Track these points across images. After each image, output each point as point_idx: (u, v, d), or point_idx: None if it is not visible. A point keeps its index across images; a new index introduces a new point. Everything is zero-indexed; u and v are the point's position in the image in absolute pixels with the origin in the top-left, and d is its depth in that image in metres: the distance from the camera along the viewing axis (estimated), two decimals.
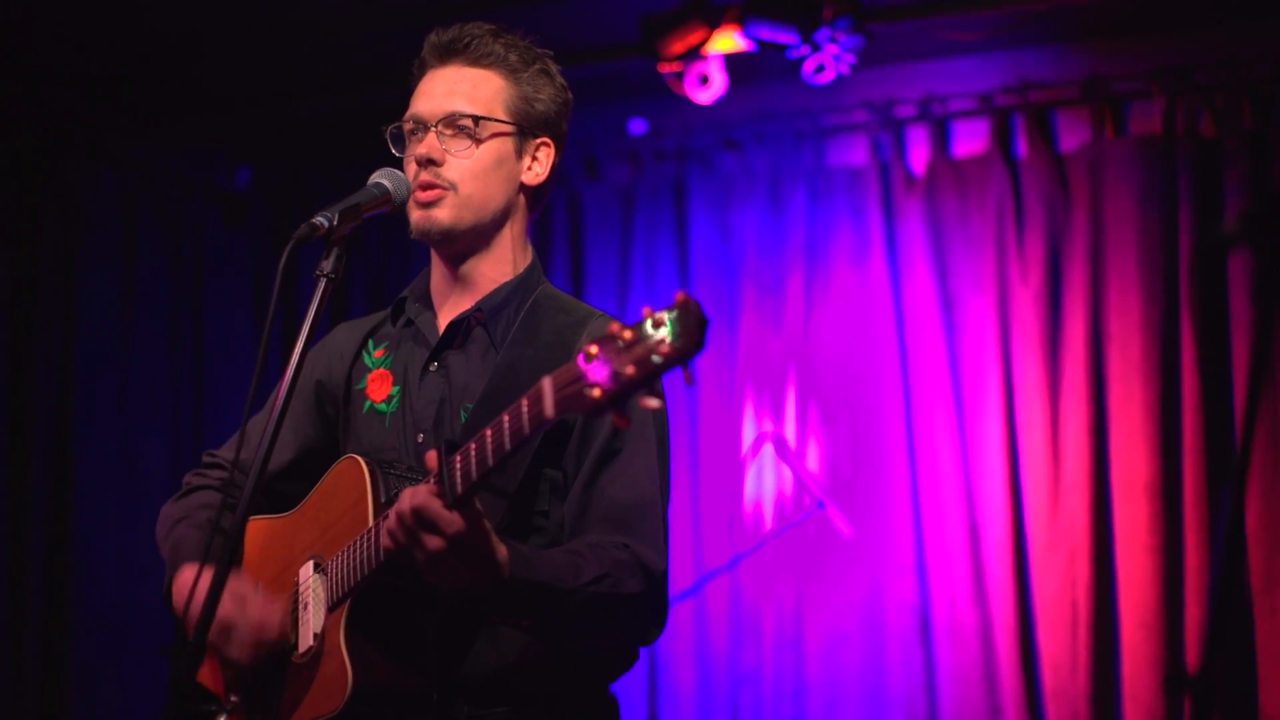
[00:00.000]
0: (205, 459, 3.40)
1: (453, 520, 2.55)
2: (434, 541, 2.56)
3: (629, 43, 5.97)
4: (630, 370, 2.25)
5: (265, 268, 7.27)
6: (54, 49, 6.11)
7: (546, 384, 2.40)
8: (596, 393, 2.29)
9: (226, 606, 2.90)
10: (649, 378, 2.26)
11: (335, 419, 3.22)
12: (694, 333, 2.22)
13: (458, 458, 2.57)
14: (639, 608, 2.84)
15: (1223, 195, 5.82)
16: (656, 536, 2.93)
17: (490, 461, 2.52)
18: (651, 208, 6.75)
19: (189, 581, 2.94)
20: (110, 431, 6.59)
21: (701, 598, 6.34)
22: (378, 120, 6.98)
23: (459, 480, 2.55)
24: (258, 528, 3.17)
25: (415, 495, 2.58)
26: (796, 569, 6.28)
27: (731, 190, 6.63)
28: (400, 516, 2.59)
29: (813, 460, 6.33)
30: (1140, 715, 5.68)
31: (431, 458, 2.61)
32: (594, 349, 2.31)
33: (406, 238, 7.31)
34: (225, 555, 2.62)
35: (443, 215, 3.03)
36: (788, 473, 6.33)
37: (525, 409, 2.45)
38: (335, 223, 2.84)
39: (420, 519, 2.56)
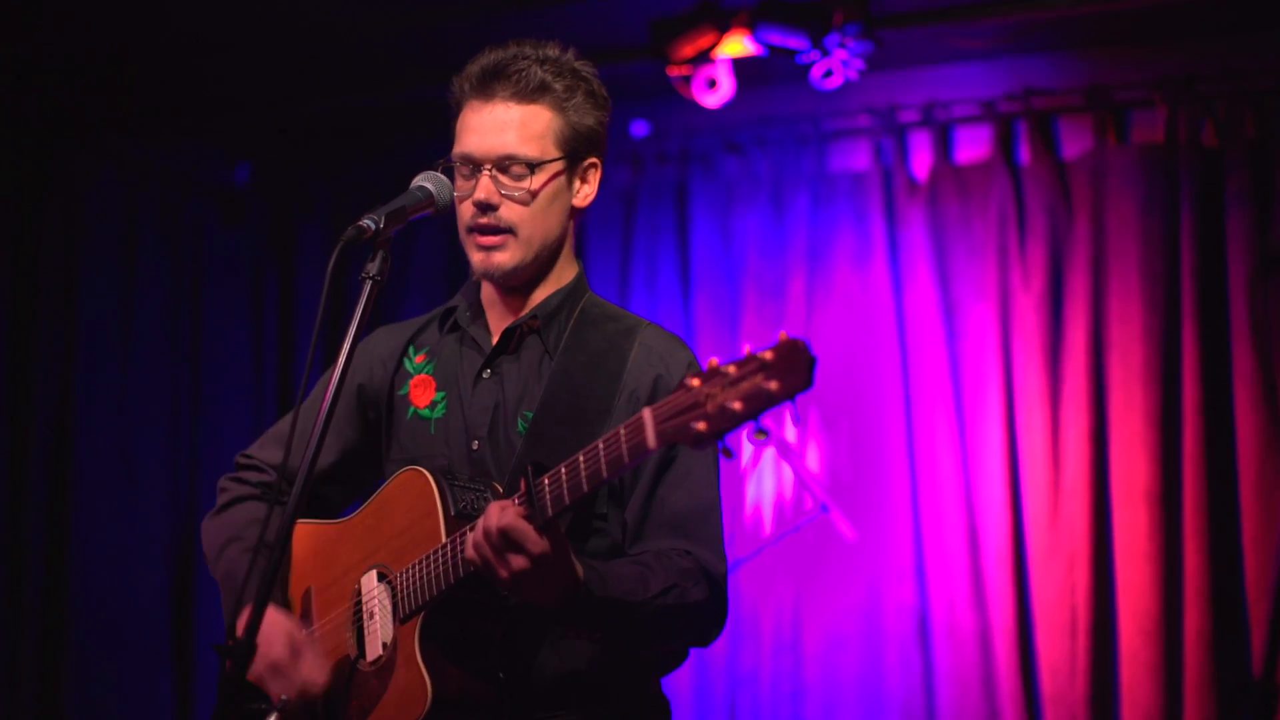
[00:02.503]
0: (240, 460, 3.37)
1: (539, 542, 2.59)
2: (519, 561, 2.60)
3: (636, 45, 5.97)
4: (737, 405, 2.30)
5: (263, 265, 7.27)
6: (55, 46, 6.11)
7: (647, 415, 2.44)
8: (702, 426, 2.34)
9: (279, 650, 2.93)
10: (755, 412, 2.30)
11: (377, 423, 3.22)
12: (802, 371, 2.27)
13: (546, 480, 2.60)
14: (703, 614, 2.90)
15: (1224, 204, 5.88)
16: (716, 540, 2.97)
17: (585, 488, 2.56)
18: (653, 210, 6.76)
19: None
20: (109, 428, 6.59)
21: None
22: (375, 120, 7.00)
23: (549, 504, 2.59)
24: (304, 532, 3.17)
25: (504, 515, 2.61)
26: (795, 572, 6.31)
27: (733, 193, 6.65)
28: (487, 534, 2.61)
29: (812, 464, 6.35)
30: None
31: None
32: (696, 383, 2.37)
33: (407, 236, 7.28)
34: (270, 570, 2.64)
35: (504, 259, 3.02)
36: (788, 476, 6.35)
37: (624, 438, 2.49)
38: (382, 225, 2.81)
39: (507, 539, 2.59)
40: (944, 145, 6.39)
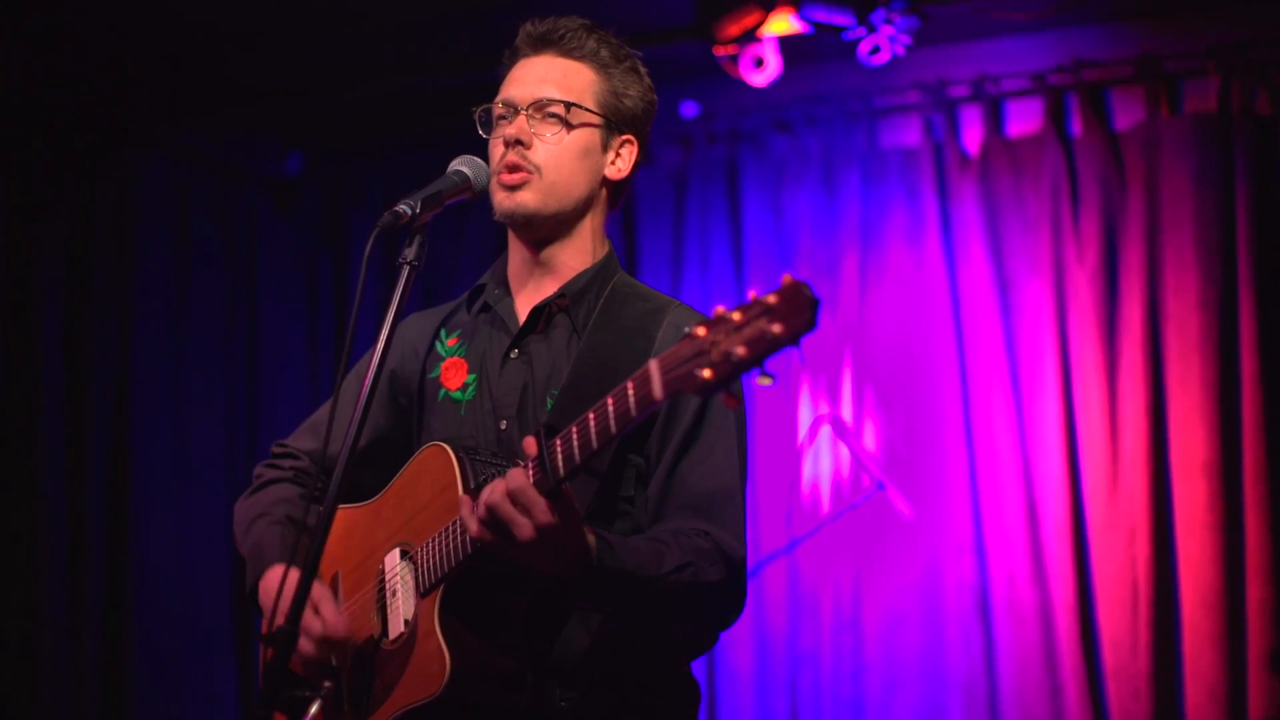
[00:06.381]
0: (276, 449, 3.40)
1: (544, 508, 2.58)
2: (525, 528, 2.58)
3: (682, 25, 5.95)
4: (742, 351, 2.26)
5: (317, 254, 7.30)
6: (106, 38, 6.14)
7: (654, 366, 2.41)
8: (707, 373, 2.30)
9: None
10: (760, 357, 2.26)
11: (409, 408, 3.24)
12: (805, 311, 2.23)
13: (558, 441, 2.59)
14: (719, 595, 2.87)
15: (1279, 172, 5.81)
16: (736, 523, 2.94)
17: (595, 444, 2.54)
18: (704, 190, 6.74)
19: (275, 581, 2.97)
20: (166, 419, 6.64)
21: (760, 580, 6.35)
22: (426, 106, 7.03)
23: (560, 463, 2.57)
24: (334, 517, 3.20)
25: (511, 479, 2.60)
26: (854, 550, 6.29)
27: (784, 172, 6.62)
28: (493, 503, 2.60)
29: (869, 442, 6.34)
30: (1202, 693, 5.68)
31: (530, 444, 2.62)
32: (702, 331, 2.33)
33: (457, 220, 7.29)
34: (314, 549, 2.65)
35: (528, 199, 3.04)
36: (845, 455, 6.34)
37: (631, 391, 2.46)
38: (418, 210, 2.85)
39: (516, 501, 2.58)
40: (995, 119, 6.33)
